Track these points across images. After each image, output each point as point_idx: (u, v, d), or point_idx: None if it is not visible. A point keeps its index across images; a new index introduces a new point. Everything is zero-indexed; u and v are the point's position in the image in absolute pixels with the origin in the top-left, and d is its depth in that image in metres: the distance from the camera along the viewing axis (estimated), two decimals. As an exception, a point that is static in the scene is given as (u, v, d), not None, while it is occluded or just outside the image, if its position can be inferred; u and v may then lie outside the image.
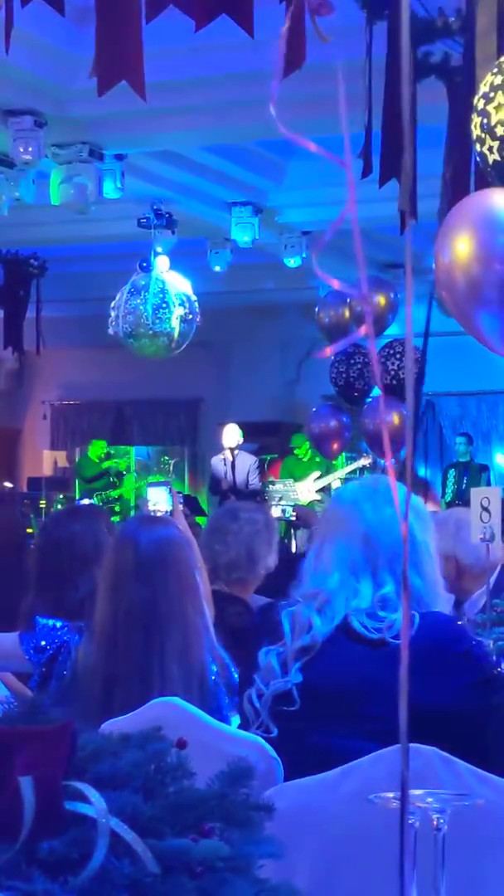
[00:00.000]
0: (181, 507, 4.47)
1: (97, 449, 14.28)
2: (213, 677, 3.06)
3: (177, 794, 1.00)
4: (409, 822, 1.53)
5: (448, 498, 12.95)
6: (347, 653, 2.53)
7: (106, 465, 14.27)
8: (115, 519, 11.17)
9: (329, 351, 1.28)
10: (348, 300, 9.97)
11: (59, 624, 3.36)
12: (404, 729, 1.11)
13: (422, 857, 1.61)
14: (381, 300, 9.72)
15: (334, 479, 11.88)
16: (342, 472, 11.92)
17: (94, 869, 0.89)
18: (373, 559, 2.56)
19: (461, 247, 3.91)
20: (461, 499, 12.22)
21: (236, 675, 3.04)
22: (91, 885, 0.89)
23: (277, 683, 2.54)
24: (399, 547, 2.58)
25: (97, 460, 14.28)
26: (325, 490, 11.95)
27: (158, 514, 3.90)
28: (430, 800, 1.54)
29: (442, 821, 1.55)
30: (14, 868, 0.87)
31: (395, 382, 9.83)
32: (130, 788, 0.97)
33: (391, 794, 1.52)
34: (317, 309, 10.69)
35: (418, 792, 1.56)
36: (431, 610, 2.58)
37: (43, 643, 3.26)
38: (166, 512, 3.91)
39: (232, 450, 12.30)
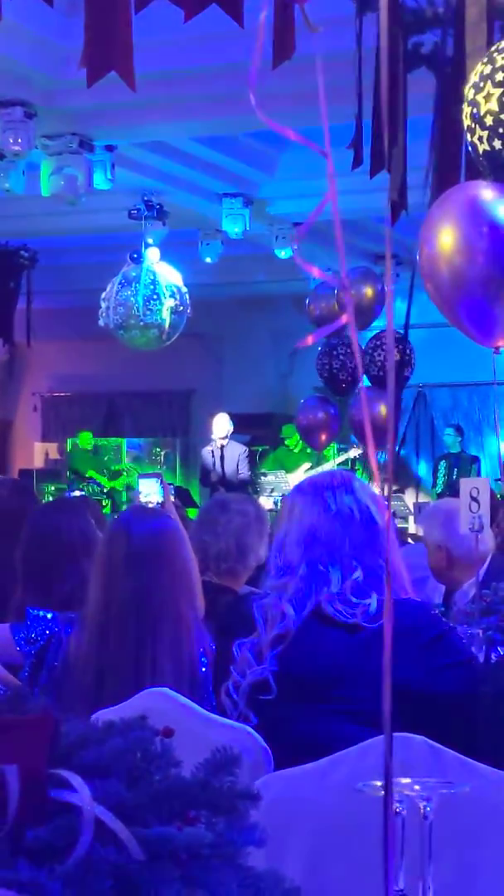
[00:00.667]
0: (172, 498, 4.47)
1: (86, 441, 14.25)
2: (204, 669, 3.06)
3: (161, 782, 1.01)
4: (396, 810, 1.54)
5: (439, 489, 12.97)
6: (322, 638, 2.56)
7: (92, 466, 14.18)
8: (106, 511, 11.17)
9: (311, 339, 1.29)
10: (336, 291, 9.98)
11: (49, 615, 3.36)
12: (387, 715, 1.11)
13: (409, 846, 1.61)
14: (367, 291, 9.72)
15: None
16: (332, 463, 11.93)
17: (79, 857, 0.90)
18: (339, 547, 2.60)
19: (445, 239, 3.92)
20: (452, 490, 12.24)
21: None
22: (76, 872, 0.89)
23: (254, 672, 2.57)
24: (364, 533, 2.62)
25: (88, 454, 14.25)
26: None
27: (150, 505, 3.91)
28: (416, 787, 1.55)
29: (428, 809, 1.56)
30: (-1, 856, 0.88)
31: (381, 374, 9.84)
32: (115, 776, 0.97)
33: (379, 783, 1.52)
34: (307, 300, 10.69)
35: (405, 780, 1.57)
36: (399, 594, 2.62)
37: (33, 635, 3.26)
38: (157, 503, 3.91)
39: (221, 440, 12.30)
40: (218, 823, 1.03)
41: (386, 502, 1.18)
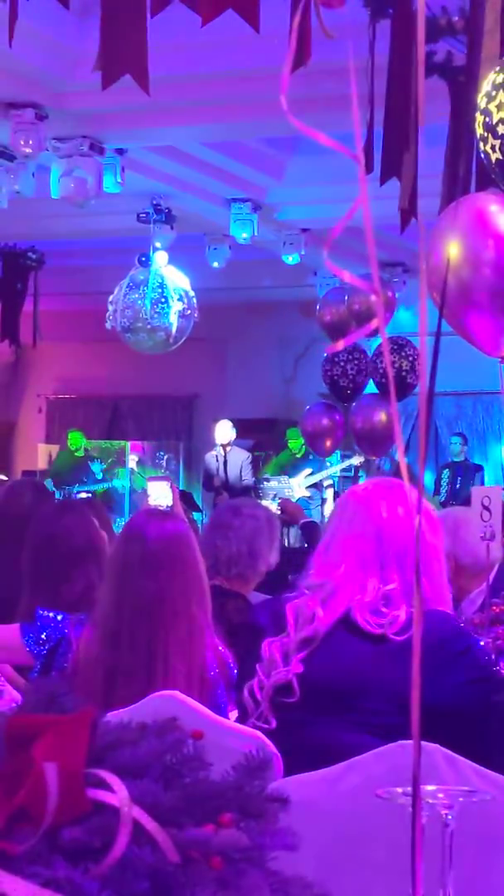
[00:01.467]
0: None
1: (76, 441, 14.13)
2: (213, 672, 3.06)
3: (194, 784, 1.01)
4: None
5: (442, 497, 12.96)
6: (347, 647, 2.54)
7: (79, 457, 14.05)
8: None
9: (342, 344, 1.29)
10: (346, 298, 9.98)
11: (59, 616, 3.36)
12: (416, 725, 1.11)
13: (427, 853, 1.61)
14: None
15: (325, 476, 11.90)
16: (334, 470, 11.94)
17: (115, 857, 0.89)
18: (381, 556, 2.58)
19: (452, 250, 3.94)
20: (455, 499, 12.24)
21: (235, 671, 3.05)
22: (112, 872, 0.89)
23: (279, 673, 2.55)
24: (409, 548, 2.60)
25: (76, 453, 14.15)
26: (316, 487, 11.97)
27: (160, 508, 3.91)
28: (439, 795, 1.55)
29: (450, 816, 1.55)
30: (36, 855, 0.87)
31: (385, 381, 9.86)
32: (150, 777, 0.97)
33: (399, 790, 1.52)
34: (318, 306, 10.70)
35: (428, 788, 1.57)
36: (435, 608, 2.59)
37: (43, 635, 3.26)
38: (167, 507, 3.91)
39: (224, 446, 12.30)
40: (249, 827, 1.03)
41: (416, 512, 1.18)
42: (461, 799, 1.51)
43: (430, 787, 1.57)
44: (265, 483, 12.50)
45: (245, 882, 0.96)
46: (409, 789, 1.62)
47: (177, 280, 10.83)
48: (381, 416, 9.84)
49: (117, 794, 0.91)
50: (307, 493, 11.91)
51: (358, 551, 2.60)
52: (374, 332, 1.25)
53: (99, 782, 0.93)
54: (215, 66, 7.54)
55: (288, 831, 1.05)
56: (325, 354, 10.22)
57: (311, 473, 11.90)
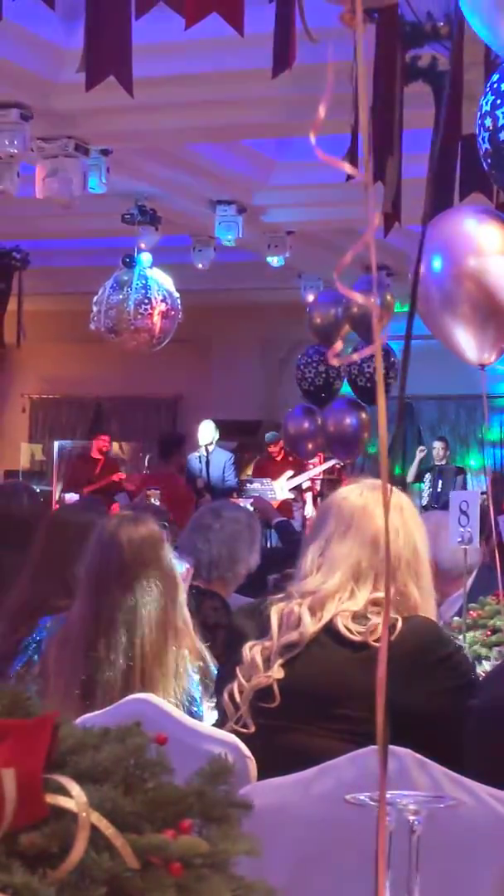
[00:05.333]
0: (155, 501, 4.45)
1: None
2: (190, 674, 3.07)
3: (156, 789, 1.01)
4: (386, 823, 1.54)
5: (424, 501, 12.99)
6: (329, 654, 2.53)
7: None
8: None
9: (357, 356, 1.30)
10: (343, 300, 9.99)
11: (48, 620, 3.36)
12: (381, 730, 1.11)
13: (395, 858, 1.61)
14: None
15: (306, 479, 11.91)
16: (314, 472, 11.94)
17: (73, 862, 0.90)
18: (377, 565, 2.56)
19: (435, 262, 3.98)
20: (437, 502, 12.27)
21: (215, 671, 3.05)
22: (70, 878, 0.89)
23: (259, 678, 2.54)
24: (402, 555, 2.59)
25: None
26: (297, 489, 11.98)
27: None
28: (407, 801, 1.55)
29: (417, 822, 1.56)
30: (-7, 860, 0.87)
31: (369, 385, 9.91)
32: (110, 783, 0.97)
33: (366, 795, 1.52)
34: (308, 310, 10.71)
35: (394, 793, 1.57)
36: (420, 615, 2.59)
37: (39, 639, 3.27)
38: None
39: (207, 447, 12.31)
40: (211, 832, 1.03)
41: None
42: (430, 804, 1.51)
43: (397, 793, 1.57)
44: (247, 485, 12.50)
45: (205, 887, 0.96)
46: (376, 794, 1.63)
47: (161, 281, 10.82)
48: (353, 420, 9.94)
49: (75, 799, 0.91)
50: (290, 495, 11.91)
51: (355, 560, 2.59)
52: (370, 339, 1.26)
53: (58, 787, 0.93)
54: (201, 67, 7.54)
55: (251, 837, 1.05)
56: (306, 359, 10.25)
57: (292, 476, 11.91)
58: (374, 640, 2.48)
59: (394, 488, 2.73)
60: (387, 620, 1.21)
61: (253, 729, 2.53)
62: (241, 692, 2.56)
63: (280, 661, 2.54)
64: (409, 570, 2.60)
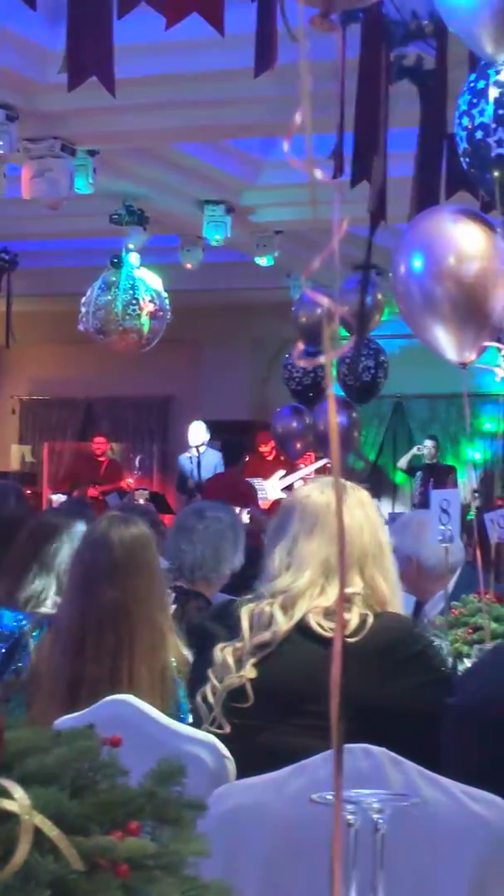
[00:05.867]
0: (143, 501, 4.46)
1: None
2: (175, 676, 3.07)
3: (107, 791, 1.01)
4: (350, 821, 1.54)
5: (415, 500, 13.01)
6: (301, 651, 2.53)
7: None
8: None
9: (324, 359, 1.28)
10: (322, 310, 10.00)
11: (20, 616, 3.36)
12: (335, 726, 1.11)
13: (363, 857, 1.61)
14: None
15: (298, 478, 11.91)
16: (306, 471, 11.94)
17: (17, 865, 0.89)
18: (345, 559, 2.57)
19: (416, 262, 3.99)
20: (427, 500, 12.26)
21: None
22: (13, 881, 0.89)
23: (231, 679, 2.55)
24: (369, 550, 2.61)
25: None
26: (289, 489, 11.98)
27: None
28: (370, 799, 1.55)
29: (381, 820, 1.56)
30: None
31: (359, 384, 9.93)
32: (58, 785, 0.97)
33: (332, 794, 1.52)
34: (293, 309, 10.70)
35: (358, 791, 1.57)
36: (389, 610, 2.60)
37: (7, 633, 3.26)
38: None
39: (198, 448, 12.30)
40: (163, 833, 1.03)
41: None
42: (394, 803, 1.52)
43: (360, 792, 1.57)
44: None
45: (154, 888, 0.96)
46: (347, 793, 1.63)
47: (149, 281, 10.82)
48: (343, 419, 9.94)
49: (18, 801, 0.91)
50: (283, 495, 11.91)
51: (323, 557, 2.60)
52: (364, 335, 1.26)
53: (1, 791, 0.93)
54: (186, 67, 7.54)
55: (203, 837, 1.05)
56: (292, 360, 10.27)
57: (284, 475, 11.91)
58: (347, 636, 2.48)
59: (352, 484, 2.74)
60: (341, 620, 1.20)
61: (228, 729, 2.53)
62: (214, 693, 2.56)
63: (252, 660, 2.55)
64: (375, 563, 2.62)
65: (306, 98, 1.03)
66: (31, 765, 0.97)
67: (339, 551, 2.59)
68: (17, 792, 0.90)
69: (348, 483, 2.73)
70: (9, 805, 0.90)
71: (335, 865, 1.12)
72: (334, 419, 0.96)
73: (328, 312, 1.26)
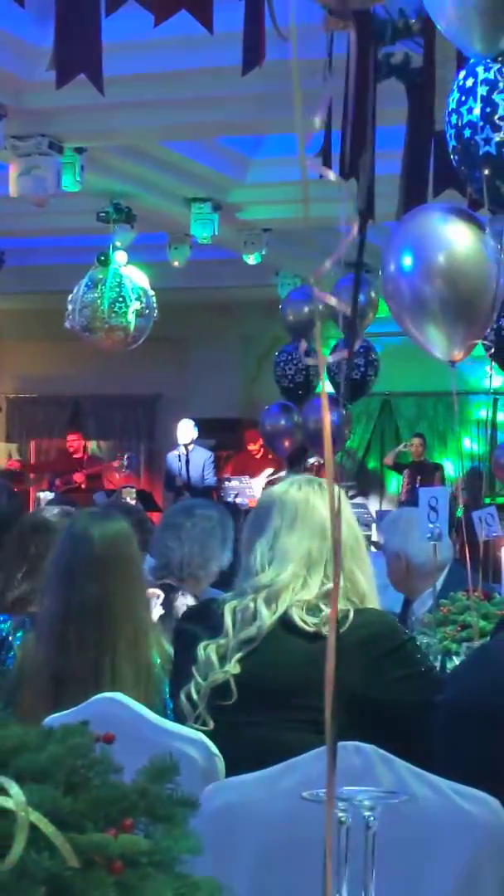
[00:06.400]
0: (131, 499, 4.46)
1: None
2: (158, 672, 3.07)
3: (100, 788, 1.01)
4: (341, 819, 1.54)
5: (402, 497, 13.02)
6: (284, 646, 2.55)
7: None
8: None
9: (348, 354, 1.29)
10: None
11: (2, 617, 3.35)
12: (329, 723, 1.12)
13: (354, 854, 1.62)
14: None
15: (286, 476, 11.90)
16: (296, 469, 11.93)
17: (12, 861, 0.89)
18: (325, 554, 2.60)
19: (406, 261, 4.00)
20: (415, 498, 12.27)
21: None
22: (9, 878, 0.89)
23: (216, 675, 2.55)
24: (347, 543, 2.63)
25: None
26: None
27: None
28: (361, 797, 1.55)
29: (372, 818, 1.56)
30: None
31: (348, 382, 9.93)
32: (52, 782, 0.97)
33: (322, 791, 1.52)
34: (281, 306, 10.69)
35: (349, 788, 1.57)
36: (368, 605, 2.62)
37: None
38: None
39: (186, 445, 12.29)
40: (155, 831, 1.03)
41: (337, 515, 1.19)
42: (385, 800, 1.52)
43: (351, 789, 1.57)
44: (225, 483, 12.51)
45: (148, 885, 0.96)
46: (339, 790, 1.63)
47: (136, 279, 10.80)
48: (333, 417, 9.94)
49: (14, 798, 0.91)
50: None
51: (305, 550, 2.62)
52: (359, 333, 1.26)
53: (-4, 787, 0.93)
54: (174, 65, 7.54)
55: (195, 834, 1.05)
56: (285, 356, 10.28)
57: (273, 473, 11.91)
58: (328, 631, 2.49)
59: (322, 480, 2.76)
60: (335, 616, 1.21)
61: (213, 726, 2.53)
62: (198, 691, 2.57)
63: (237, 655, 2.56)
64: (353, 556, 2.65)
65: (298, 97, 1.03)
66: (24, 762, 0.97)
67: (332, 548, 2.60)
68: (13, 788, 0.90)
69: (320, 480, 2.75)
70: (4, 802, 0.90)
71: (327, 862, 1.13)
72: (327, 417, 0.96)
73: (319, 311, 1.26)
